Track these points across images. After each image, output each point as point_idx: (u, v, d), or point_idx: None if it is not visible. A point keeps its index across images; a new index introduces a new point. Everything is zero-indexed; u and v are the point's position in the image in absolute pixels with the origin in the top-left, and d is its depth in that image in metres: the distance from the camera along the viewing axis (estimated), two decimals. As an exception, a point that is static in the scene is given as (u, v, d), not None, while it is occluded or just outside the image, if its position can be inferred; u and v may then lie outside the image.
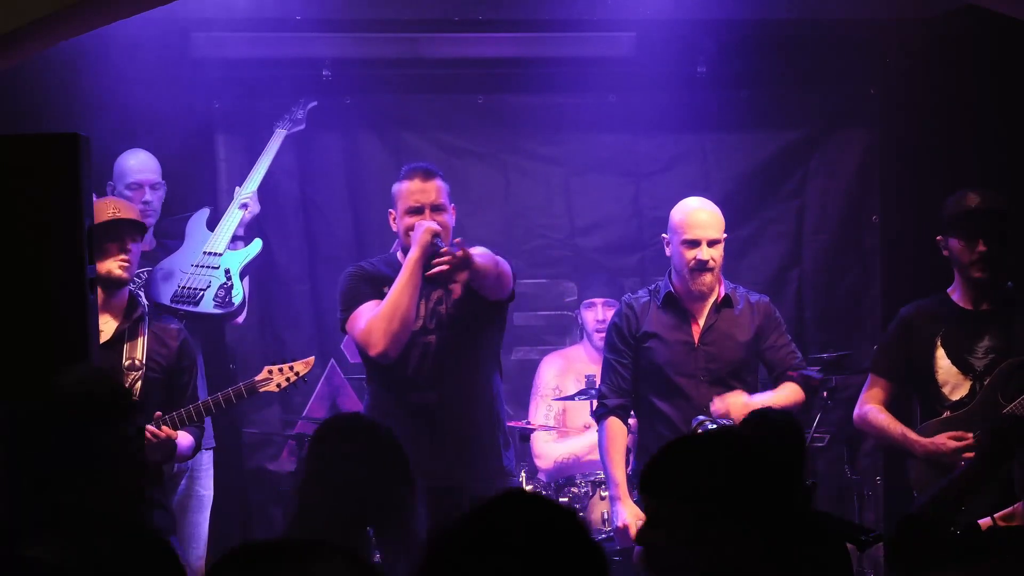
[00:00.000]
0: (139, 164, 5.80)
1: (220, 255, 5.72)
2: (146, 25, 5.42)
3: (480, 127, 6.73)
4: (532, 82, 6.66)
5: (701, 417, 4.25)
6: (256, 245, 5.90)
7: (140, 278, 5.47)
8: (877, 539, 3.69)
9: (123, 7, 4.58)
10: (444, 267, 4.68)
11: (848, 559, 3.65)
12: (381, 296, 4.85)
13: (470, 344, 4.90)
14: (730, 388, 5.00)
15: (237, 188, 6.03)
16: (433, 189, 4.90)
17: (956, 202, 5.07)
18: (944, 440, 4.95)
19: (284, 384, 4.80)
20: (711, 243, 4.99)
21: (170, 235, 5.88)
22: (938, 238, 5.11)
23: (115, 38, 5.46)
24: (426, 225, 4.76)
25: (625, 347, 5.10)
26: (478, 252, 4.81)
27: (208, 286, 5.62)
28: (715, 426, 4.11)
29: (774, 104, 6.74)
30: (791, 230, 6.80)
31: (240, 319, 5.81)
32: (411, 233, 4.81)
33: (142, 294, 5.45)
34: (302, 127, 6.24)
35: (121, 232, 4.69)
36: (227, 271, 5.71)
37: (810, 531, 3.57)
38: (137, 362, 4.72)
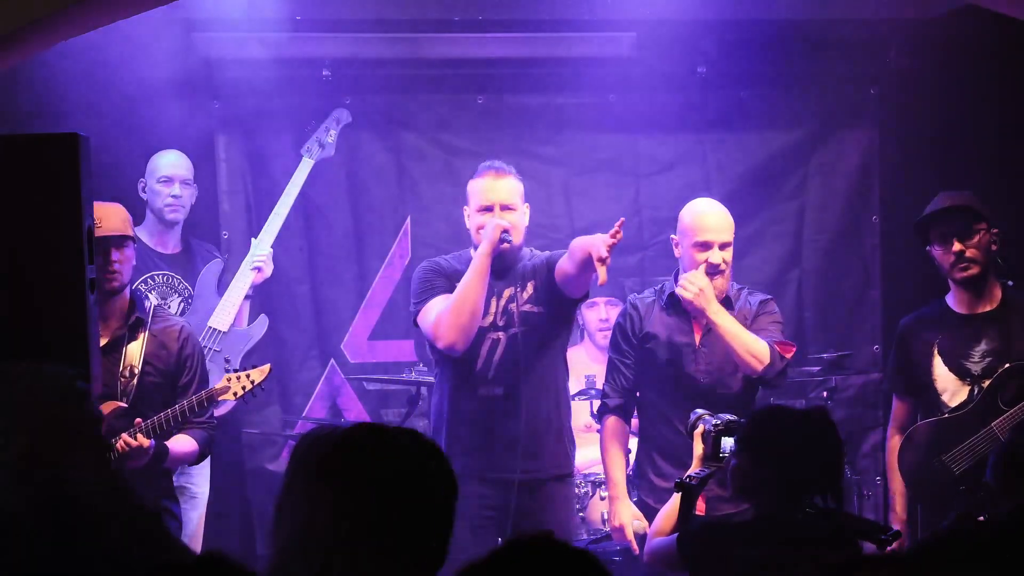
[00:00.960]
0: (170, 161, 5.97)
1: (224, 334, 5.82)
2: (146, 25, 5.42)
3: (480, 127, 6.73)
4: (532, 82, 6.67)
5: (699, 411, 4.24)
6: (261, 326, 6.02)
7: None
8: (895, 537, 3.69)
9: (123, 7, 4.58)
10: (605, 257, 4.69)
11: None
12: (452, 290, 4.93)
13: (540, 342, 4.98)
14: (731, 390, 4.99)
15: (253, 240, 6.11)
16: (503, 188, 4.98)
17: (930, 205, 5.10)
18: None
19: (240, 392, 4.79)
20: (723, 246, 4.97)
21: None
22: (928, 249, 5.13)
23: (115, 38, 5.46)
24: (495, 222, 4.86)
25: (628, 347, 5.11)
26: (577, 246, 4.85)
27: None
28: (718, 420, 4.10)
29: (774, 104, 6.74)
30: (791, 230, 6.80)
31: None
32: (481, 230, 4.91)
33: (149, 298, 5.46)
34: (331, 154, 6.30)
35: (105, 248, 4.64)
36: (227, 360, 5.81)
37: (826, 528, 3.58)
38: (134, 369, 4.72)
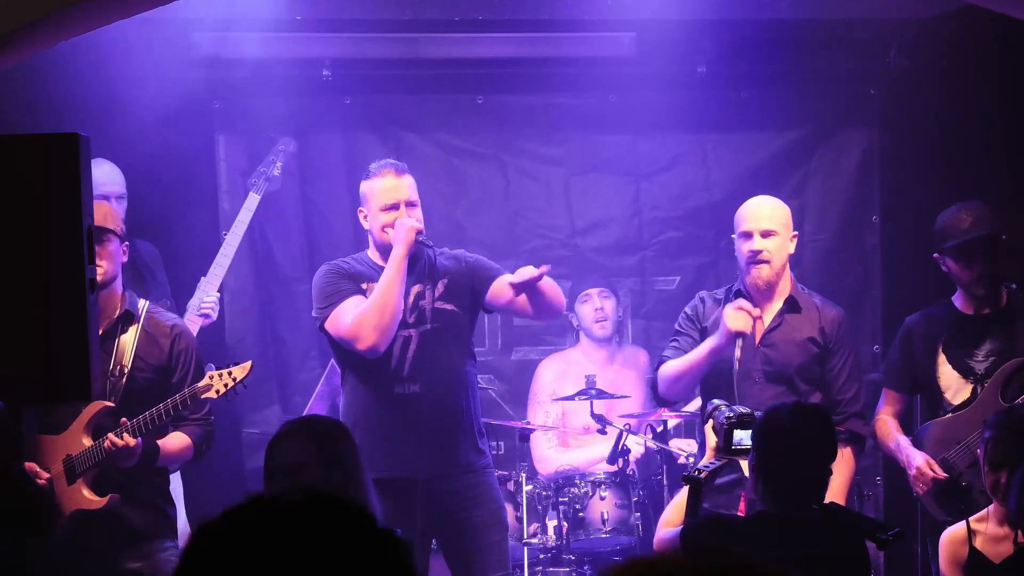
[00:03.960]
0: (103, 176, 5.50)
1: None
2: (146, 25, 5.42)
3: (480, 127, 6.73)
4: (532, 82, 6.66)
5: (716, 401, 4.24)
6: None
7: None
8: (898, 537, 3.69)
9: (123, 7, 4.58)
10: (531, 278, 4.79)
11: (867, 556, 3.66)
12: (360, 291, 4.91)
13: (451, 337, 4.97)
14: (792, 388, 4.94)
15: (202, 278, 5.92)
16: (405, 185, 4.99)
17: (951, 225, 5.08)
18: (916, 458, 4.99)
19: (223, 390, 4.74)
20: (765, 234, 4.95)
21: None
22: (935, 256, 5.12)
23: (115, 38, 5.46)
24: (408, 224, 4.85)
25: (691, 328, 5.08)
26: (547, 280, 4.91)
27: None
28: (731, 413, 4.10)
29: (774, 104, 6.74)
30: (791, 230, 6.79)
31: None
32: (387, 230, 4.89)
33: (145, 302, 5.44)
34: (277, 187, 6.23)
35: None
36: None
37: (830, 525, 3.59)
38: (123, 367, 4.71)
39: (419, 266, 4.97)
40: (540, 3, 6.39)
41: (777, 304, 5.03)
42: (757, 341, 4.95)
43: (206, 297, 5.86)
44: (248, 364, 4.84)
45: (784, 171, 6.78)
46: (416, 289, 4.95)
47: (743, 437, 3.99)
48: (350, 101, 6.60)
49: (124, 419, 4.58)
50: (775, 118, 6.76)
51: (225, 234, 6.47)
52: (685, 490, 4.04)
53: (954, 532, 4.34)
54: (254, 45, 6.23)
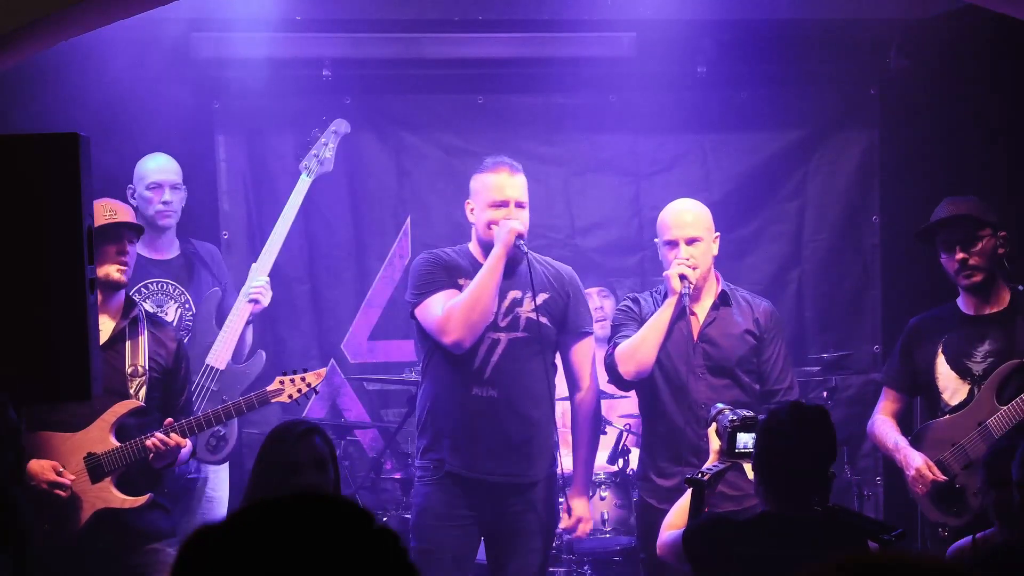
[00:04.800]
0: (158, 166, 5.72)
1: (222, 372, 5.63)
2: (146, 25, 5.42)
3: (480, 127, 6.72)
4: (532, 82, 6.67)
5: (720, 406, 4.26)
6: (258, 363, 5.75)
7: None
8: (900, 537, 3.69)
9: (123, 7, 4.58)
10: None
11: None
12: (455, 285, 4.90)
13: (540, 350, 4.96)
14: (735, 380, 4.98)
15: (253, 264, 5.87)
16: (519, 185, 4.95)
17: (934, 214, 5.10)
18: (915, 460, 4.99)
19: (296, 395, 4.77)
20: (690, 241, 4.98)
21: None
22: (941, 259, 5.13)
23: (115, 38, 5.46)
24: (510, 225, 4.81)
25: (631, 319, 5.08)
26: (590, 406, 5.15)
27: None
28: (735, 416, 4.10)
29: (774, 104, 6.74)
30: (791, 230, 6.80)
31: (217, 466, 5.72)
32: (492, 227, 4.87)
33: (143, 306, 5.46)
34: (330, 169, 6.02)
35: (120, 234, 4.68)
36: (224, 400, 5.65)
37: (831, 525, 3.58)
38: (140, 368, 4.72)
39: (520, 271, 4.94)
40: (540, 3, 6.40)
41: (707, 301, 5.08)
42: (695, 337, 5.00)
43: (254, 283, 5.79)
44: (323, 371, 4.89)
45: (784, 171, 6.79)
46: (514, 294, 4.93)
47: (747, 440, 4.00)
48: (350, 101, 6.60)
49: (169, 420, 4.59)
50: (775, 118, 6.76)
51: (226, 234, 6.48)
52: (688, 493, 4.04)
53: (960, 549, 4.30)
54: (254, 45, 6.23)
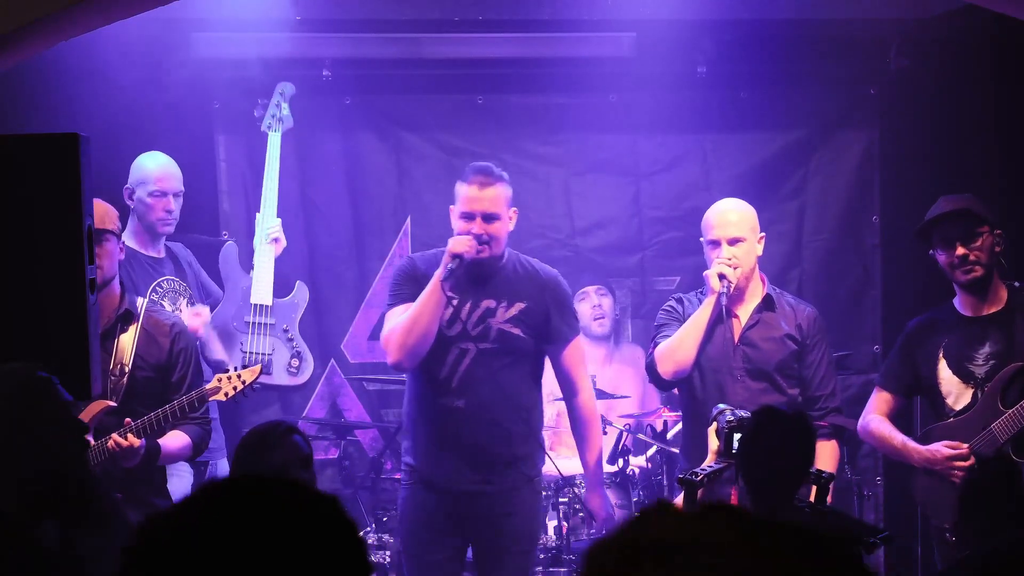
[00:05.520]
0: (162, 171, 5.62)
1: (271, 307, 5.80)
2: (146, 25, 5.42)
3: (480, 127, 6.72)
4: (532, 82, 6.66)
5: (722, 406, 4.26)
6: (303, 292, 6.01)
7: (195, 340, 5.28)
8: (886, 541, 3.68)
9: (123, 7, 4.58)
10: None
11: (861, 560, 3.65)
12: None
13: (513, 362, 4.90)
14: (773, 384, 4.96)
15: (257, 215, 5.97)
16: (488, 198, 4.85)
17: (930, 210, 5.09)
18: (939, 448, 4.94)
19: (232, 392, 4.76)
20: (732, 242, 4.95)
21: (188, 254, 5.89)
22: (930, 253, 5.11)
23: (116, 38, 5.46)
24: (451, 246, 4.76)
25: (674, 319, 5.05)
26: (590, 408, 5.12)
27: (273, 350, 5.79)
28: (733, 416, 4.11)
29: (774, 104, 6.74)
30: (791, 230, 6.79)
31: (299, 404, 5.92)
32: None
33: (164, 304, 5.46)
34: (291, 125, 6.12)
35: (98, 239, 4.60)
36: (286, 329, 5.83)
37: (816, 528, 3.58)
38: (124, 366, 4.70)
39: (497, 281, 4.89)
40: (540, 3, 6.39)
41: (751, 304, 5.05)
42: (736, 339, 4.98)
43: (268, 224, 5.89)
44: (257, 368, 4.86)
45: (784, 171, 6.78)
46: (487, 303, 4.87)
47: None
48: (350, 101, 6.60)
49: (128, 420, 4.57)
50: (775, 118, 6.76)
51: (226, 234, 6.48)
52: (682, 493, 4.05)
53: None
54: (254, 45, 6.23)
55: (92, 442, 4.42)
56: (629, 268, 6.78)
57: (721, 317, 4.91)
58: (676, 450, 5.78)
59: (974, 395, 4.97)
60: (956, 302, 5.11)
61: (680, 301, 5.14)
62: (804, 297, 6.75)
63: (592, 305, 6.44)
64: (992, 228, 4.99)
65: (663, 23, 6.31)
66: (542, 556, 5.80)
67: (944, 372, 5.04)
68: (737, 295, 5.00)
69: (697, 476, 4.02)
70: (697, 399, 4.99)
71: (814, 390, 5.03)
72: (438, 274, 4.73)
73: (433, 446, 4.88)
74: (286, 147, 6.36)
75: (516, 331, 4.87)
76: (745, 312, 5.03)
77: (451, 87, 6.71)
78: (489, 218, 4.83)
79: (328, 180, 6.66)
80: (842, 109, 6.76)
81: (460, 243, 4.76)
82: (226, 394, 4.75)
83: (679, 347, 4.91)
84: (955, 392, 5.02)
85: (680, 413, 5.40)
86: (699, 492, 4.04)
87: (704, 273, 4.98)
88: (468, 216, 4.84)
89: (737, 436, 4.03)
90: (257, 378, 4.84)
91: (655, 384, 5.14)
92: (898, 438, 5.11)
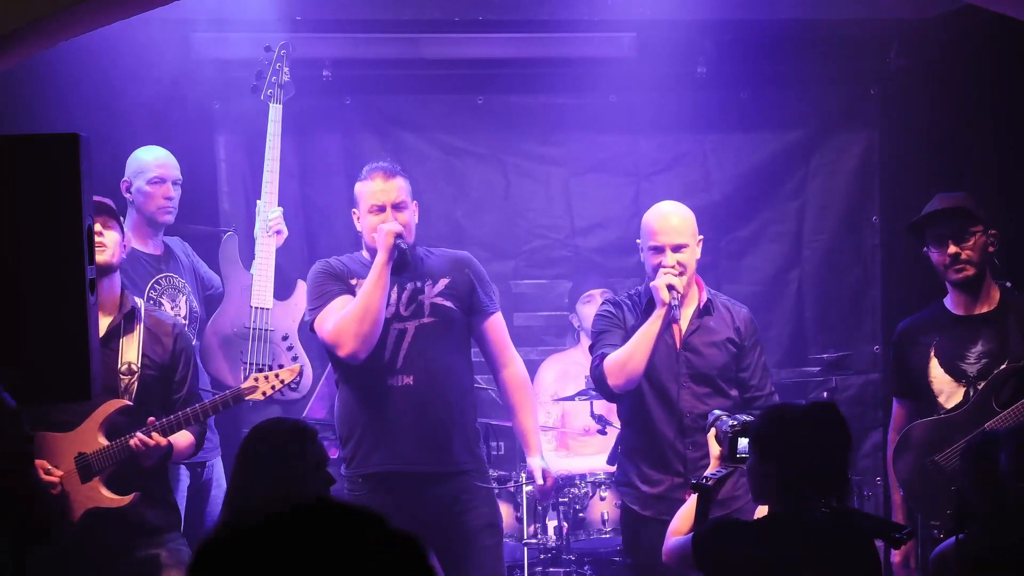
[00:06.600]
0: (159, 160, 5.63)
1: (271, 310, 5.72)
2: (146, 25, 5.42)
3: (480, 127, 6.73)
4: (532, 82, 6.67)
5: (717, 412, 4.25)
6: (302, 294, 5.74)
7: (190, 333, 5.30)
8: (910, 536, 3.67)
9: (123, 7, 4.58)
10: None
11: (877, 558, 3.65)
12: (348, 291, 4.92)
13: (448, 334, 4.96)
14: (716, 389, 4.95)
15: (258, 202, 5.90)
16: (394, 188, 4.94)
17: (924, 209, 5.09)
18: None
19: (269, 391, 4.77)
20: (676, 248, 4.89)
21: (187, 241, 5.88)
22: (924, 251, 5.11)
23: (115, 38, 5.46)
24: (387, 228, 4.82)
25: (615, 324, 5.02)
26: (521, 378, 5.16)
27: (273, 360, 5.71)
28: (735, 421, 4.10)
29: (774, 104, 6.75)
30: (791, 230, 6.80)
31: (308, 398, 5.85)
32: (375, 234, 4.87)
33: (163, 303, 5.46)
34: (293, 93, 5.98)
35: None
36: (285, 337, 5.76)
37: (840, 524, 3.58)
38: (133, 366, 4.71)
39: (413, 264, 4.97)
40: (540, 3, 6.40)
41: (690, 309, 5.01)
42: (678, 346, 4.95)
43: (270, 215, 5.82)
44: (296, 367, 4.89)
45: (784, 171, 6.79)
46: (412, 285, 4.95)
47: (746, 444, 3.99)
48: (350, 101, 6.61)
49: (151, 419, 4.58)
50: (775, 118, 6.76)
51: (226, 232, 6.47)
52: (692, 499, 4.04)
53: (944, 552, 4.25)
54: (254, 45, 6.23)
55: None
56: (629, 268, 6.78)
57: (671, 324, 4.87)
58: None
59: (966, 393, 4.98)
60: (947, 301, 5.11)
61: (617, 305, 5.09)
62: (804, 297, 6.79)
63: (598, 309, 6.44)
64: (986, 227, 4.98)
65: (663, 23, 6.31)
66: (542, 556, 5.80)
67: (935, 371, 5.04)
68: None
69: (709, 482, 4.02)
70: (645, 405, 4.96)
71: (754, 390, 5.01)
72: (382, 259, 4.79)
73: (385, 433, 4.88)
74: (286, 148, 6.35)
75: (448, 303, 4.96)
76: (685, 318, 4.98)
77: (451, 87, 6.71)
78: (398, 207, 4.92)
79: (328, 180, 6.66)
80: (842, 109, 6.77)
81: (392, 226, 4.83)
82: (264, 393, 4.77)
83: (629, 360, 4.85)
84: (947, 391, 5.02)
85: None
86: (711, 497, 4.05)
87: (651, 284, 4.90)
88: (379, 208, 4.91)
89: (743, 440, 4.02)
90: (296, 377, 4.85)
91: (603, 395, 5.08)
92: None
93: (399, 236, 4.82)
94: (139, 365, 4.72)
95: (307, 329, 6.13)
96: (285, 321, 5.83)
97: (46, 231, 3.59)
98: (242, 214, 6.54)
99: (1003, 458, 3.78)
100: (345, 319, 4.80)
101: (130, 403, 4.66)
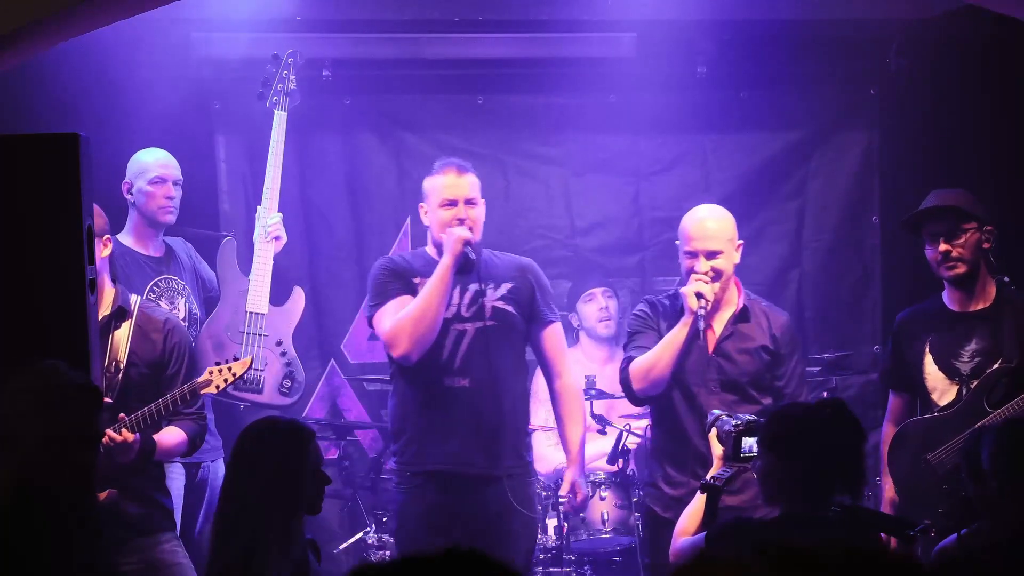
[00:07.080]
0: (159, 160, 5.65)
1: (266, 316, 5.71)
2: (146, 25, 5.42)
3: (480, 127, 6.72)
4: (532, 82, 6.66)
5: (716, 412, 4.25)
6: (298, 300, 5.91)
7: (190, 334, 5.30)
8: (924, 532, 3.67)
9: (123, 7, 4.58)
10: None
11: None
12: (410, 290, 4.93)
13: (509, 338, 4.99)
14: (745, 397, 4.90)
15: (259, 207, 5.90)
16: (466, 184, 5.00)
17: (920, 207, 5.09)
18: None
19: (223, 385, 4.75)
20: (710, 255, 4.87)
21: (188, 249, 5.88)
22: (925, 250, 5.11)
23: (116, 38, 5.46)
24: (457, 234, 4.85)
25: (647, 326, 5.00)
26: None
27: (266, 365, 5.70)
28: (738, 420, 4.09)
29: (774, 104, 6.74)
30: (791, 230, 6.80)
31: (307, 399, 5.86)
32: (445, 231, 4.90)
33: (160, 304, 5.45)
34: (298, 101, 5.98)
35: None
36: (279, 343, 5.76)
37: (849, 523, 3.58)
38: (119, 363, 4.70)
39: (479, 265, 4.98)
40: (540, 3, 6.39)
41: (726, 314, 4.98)
42: (711, 350, 4.93)
43: (269, 221, 5.83)
44: (247, 359, 4.86)
45: (784, 171, 6.79)
46: (475, 287, 4.96)
47: (751, 444, 3.98)
48: (350, 101, 6.61)
49: (122, 415, 4.57)
50: (775, 118, 6.76)
51: (226, 234, 6.47)
52: (699, 499, 4.04)
53: (945, 548, 4.25)
54: (254, 45, 6.22)
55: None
56: (629, 268, 6.79)
57: (698, 332, 4.84)
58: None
59: (959, 392, 4.97)
60: (944, 296, 5.11)
61: (652, 305, 5.08)
62: (804, 297, 6.78)
63: (599, 307, 6.45)
64: (981, 224, 4.97)
65: (663, 23, 6.31)
66: (542, 556, 5.80)
67: (930, 367, 5.04)
68: (712, 305, 4.91)
69: (718, 482, 4.02)
70: (673, 408, 4.95)
71: (789, 400, 4.93)
72: (447, 263, 4.82)
73: (437, 432, 4.91)
74: (286, 147, 6.35)
75: (509, 308, 4.98)
76: (720, 322, 4.97)
77: (451, 87, 6.71)
78: (470, 202, 4.97)
79: (328, 180, 6.66)
80: (842, 109, 6.77)
81: (462, 231, 4.87)
82: (217, 386, 4.75)
83: (654, 366, 4.86)
84: (940, 388, 5.01)
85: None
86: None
87: (681, 290, 4.90)
88: (451, 203, 4.95)
89: (747, 440, 4.01)
90: (248, 370, 4.84)
91: (628, 398, 5.09)
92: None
93: (467, 243, 4.85)
94: (124, 362, 4.71)
95: (298, 327, 6.17)
96: (280, 327, 5.81)
97: (46, 231, 3.59)
98: (242, 215, 6.53)
99: (984, 454, 3.79)
100: (402, 320, 4.83)
101: (109, 400, 4.62)
